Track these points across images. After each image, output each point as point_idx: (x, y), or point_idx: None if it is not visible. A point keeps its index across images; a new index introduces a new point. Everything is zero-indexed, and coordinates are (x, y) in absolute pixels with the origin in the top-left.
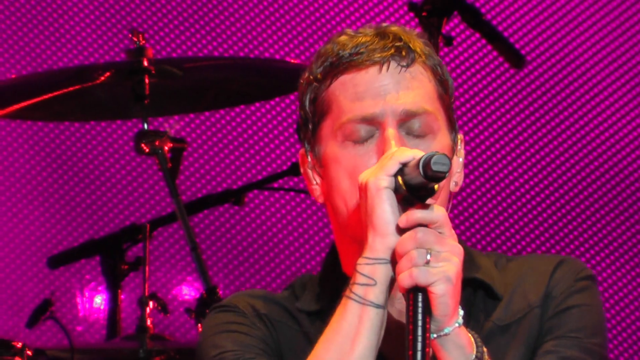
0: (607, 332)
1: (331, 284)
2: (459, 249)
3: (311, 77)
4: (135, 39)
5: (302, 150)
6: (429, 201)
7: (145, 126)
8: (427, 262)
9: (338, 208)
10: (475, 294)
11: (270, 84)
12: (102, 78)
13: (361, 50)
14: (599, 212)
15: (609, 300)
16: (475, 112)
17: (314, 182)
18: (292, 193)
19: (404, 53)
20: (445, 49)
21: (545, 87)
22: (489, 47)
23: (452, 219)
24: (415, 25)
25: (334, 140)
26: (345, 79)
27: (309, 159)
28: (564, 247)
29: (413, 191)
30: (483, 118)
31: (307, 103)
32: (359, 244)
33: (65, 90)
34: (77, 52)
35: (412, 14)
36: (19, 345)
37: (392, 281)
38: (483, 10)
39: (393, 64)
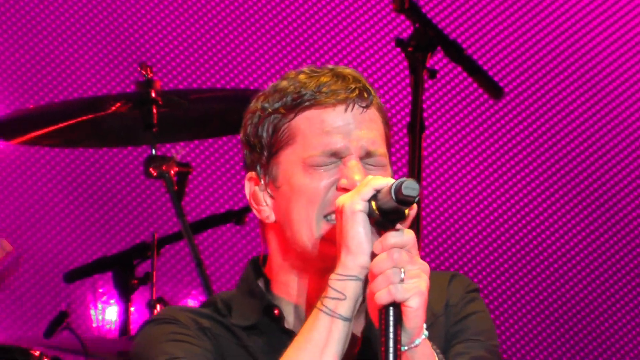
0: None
1: (258, 300)
2: (427, 267)
3: (269, 110)
4: (144, 72)
5: (251, 174)
6: (398, 225)
7: (154, 152)
8: (402, 280)
9: (298, 217)
10: None
11: None
12: (114, 108)
13: (324, 90)
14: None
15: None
16: (456, 139)
17: (264, 203)
18: None
19: (365, 95)
20: (430, 82)
21: (522, 116)
22: (470, 79)
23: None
24: (402, 59)
25: (297, 167)
26: (311, 114)
27: (262, 182)
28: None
29: (385, 215)
30: (464, 145)
31: (263, 133)
32: (309, 261)
33: (80, 119)
34: (91, 84)
35: (398, 49)
36: (37, 353)
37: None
38: (464, 45)
39: (360, 103)
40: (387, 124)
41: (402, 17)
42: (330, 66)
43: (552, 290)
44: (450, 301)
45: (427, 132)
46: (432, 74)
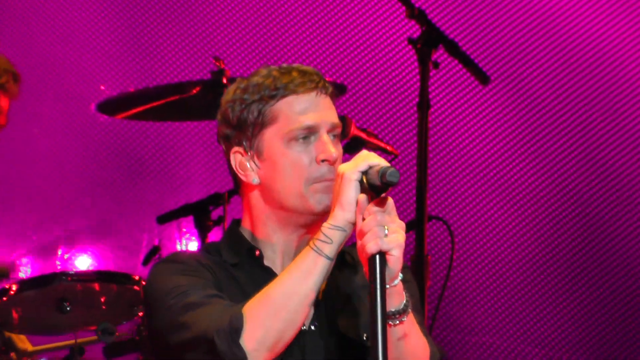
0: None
1: (241, 244)
2: (403, 225)
3: (251, 99)
4: (217, 63)
5: (236, 148)
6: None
7: None
8: (386, 235)
9: (283, 185)
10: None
11: None
12: (194, 91)
13: (298, 81)
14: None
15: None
16: (454, 114)
17: (250, 170)
18: None
19: (326, 85)
20: (434, 71)
21: (502, 96)
22: (464, 69)
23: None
24: (413, 53)
25: (279, 141)
26: (290, 99)
27: (248, 153)
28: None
29: (372, 187)
30: (461, 118)
31: (249, 116)
32: (290, 215)
33: (168, 99)
34: (177, 72)
35: (410, 46)
36: (137, 277)
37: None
38: (460, 42)
39: (322, 92)
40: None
41: (413, 22)
42: (294, 65)
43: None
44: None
45: (432, 109)
46: (436, 65)
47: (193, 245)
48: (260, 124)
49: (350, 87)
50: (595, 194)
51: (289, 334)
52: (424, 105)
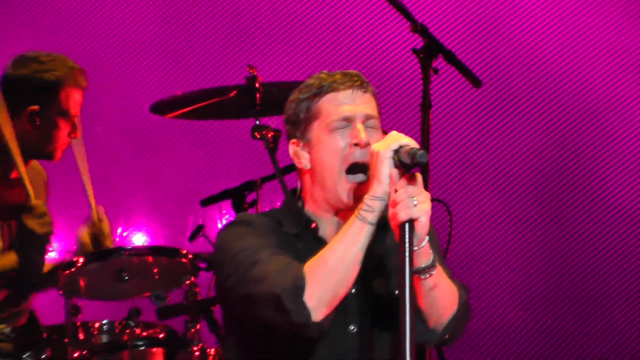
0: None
1: (300, 217)
2: (429, 195)
3: (303, 97)
4: (251, 71)
5: (292, 140)
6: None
7: (257, 122)
8: (415, 205)
9: (322, 169)
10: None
11: None
12: (232, 94)
13: (339, 80)
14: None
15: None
16: (452, 113)
17: (303, 157)
18: None
19: (364, 85)
20: (434, 76)
21: (493, 97)
22: (460, 75)
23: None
24: (417, 61)
25: (323, 132)
26: (330, 96)
27: (300, 144)
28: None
29: (402, 165)
30: (458, 116)
31: (300, 113)
32: (332, 193)
33: (210, 101)
34: (217, 78)
35: (414, 55)
36: (184, 251)
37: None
38: (456, 51)
39: (359, 89)
40: (378, 105)
41: (417, 35)
42: (340, 70)
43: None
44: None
45: (433, 108)
46: (435, 71)
47: None
48: (309, 118)
49: None
50: (569, 180)
51: (343, 291)
52: (426, 105)
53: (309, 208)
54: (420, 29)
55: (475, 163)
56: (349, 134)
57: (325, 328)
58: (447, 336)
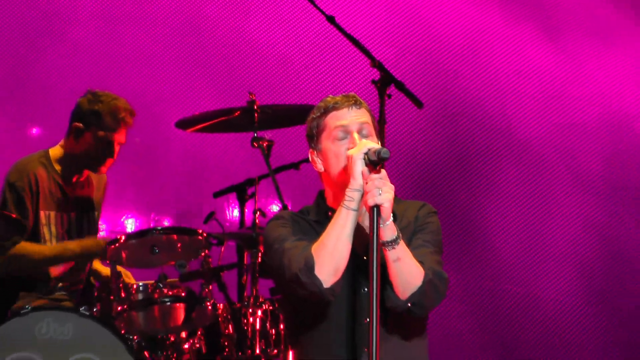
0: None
1: (321, 208)
2: (392, 187)
3: (314, 117)
4: (251, 96)
5: (311, 150)
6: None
7: (255, 135)
8: (380, 194)
9: (332, 170)
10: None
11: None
12: (236, 114)
13: (338, 102)
14: None
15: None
16: (402, 127)
17: (317, 163)
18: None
19: (358, 102)
20: (388, 100)
21: (431, 115)
22: (406, 99)
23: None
24: (375, 89)
25: (328, 142)
26: (333, 114)
27: (315, 152)
28: None
29: (371, 162)
30: (406, 130)
31: (314, 129)
32: (340, 187)
33: (220, 119)
34: (225, 101)
35: (372, 86)
36: (200, 231)
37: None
38: (405, 81)
39: (354, 106)
40: (373, 118)
41: (375, 69)
42: (341, 94)
43: None
44: (419, 216)
45: (387, 124)
46: (389, 96)
47: (235, 212)
48: (319, 132)
49: None
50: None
51: (343, 262)
52: (382, 121)
53: (329, 202)
54: (378, 65)
55: (421, 166)
56: (348, 142)
57: (337, 292)
58: (409, 305)
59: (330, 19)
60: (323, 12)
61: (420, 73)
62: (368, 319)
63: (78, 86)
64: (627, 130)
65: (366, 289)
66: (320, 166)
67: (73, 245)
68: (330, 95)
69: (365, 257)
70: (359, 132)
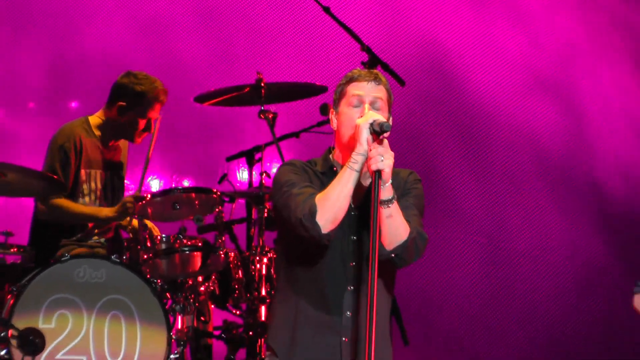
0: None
1: (328, 162)
2: (392, 154)
3: (340, 84)
4: (258, 74)
5: (332, 110)
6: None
7: (262, 107)
8: (382, 160)
9: (342, 131)
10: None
11: (302, 92)
12: (246, 90)
13: (362, 75)
14: None
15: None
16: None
17: (333, 121)
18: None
19: (377, 78)
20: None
21: (415, 92)
22: (390, 77)
23: None
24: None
25: (345, 105)
26: (354, 84)
27: (334, 112)
28: None
29: (375, 132)
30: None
31: (338, 94)
32: (347, 147)
33: (233, 94)
34: (238, 78)
35: (362, 67)
36: (215, 190)
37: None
38: (389, 62)
39: (374, 81)
40: (390, 96)
41: (364, 52)
42: (366, 69)
43: None
44: (408, 180)
45: None
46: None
47: (244, 174)
48: (340, 97)
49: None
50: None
51: (341, 214)
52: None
53: (335, 157)
54: (366, 49)
55: (402, 143)
56: (360, 110)
57: (331, 238)
58: (392, 255)
59: (326, 10)
60: (320, 3)
61: (402, 52)
62: (354, 262)
63: (107, 62)
64: None
65: (354, 237)
66: (334, 125)
67: (106, 211)
68: (358, 68)
69: (352, 213)
70: (372, 104)
